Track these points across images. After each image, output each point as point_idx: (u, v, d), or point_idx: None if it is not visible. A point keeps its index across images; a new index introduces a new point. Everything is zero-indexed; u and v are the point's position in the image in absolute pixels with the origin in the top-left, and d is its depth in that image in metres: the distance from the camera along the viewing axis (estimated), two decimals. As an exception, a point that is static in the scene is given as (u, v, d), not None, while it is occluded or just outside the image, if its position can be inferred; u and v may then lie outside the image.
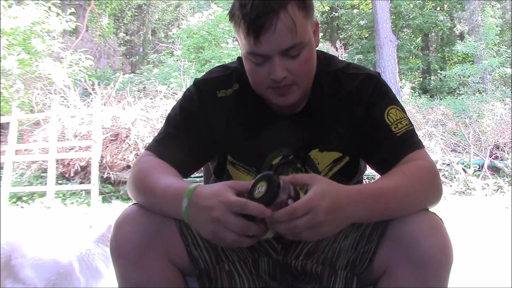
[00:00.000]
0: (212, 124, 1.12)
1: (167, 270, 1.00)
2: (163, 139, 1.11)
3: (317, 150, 1.11)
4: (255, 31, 0.95)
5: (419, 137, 1.10)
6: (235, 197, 0.85)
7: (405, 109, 1.12)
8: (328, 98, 1.10)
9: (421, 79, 17.85)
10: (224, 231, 0.85)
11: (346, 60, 1.24)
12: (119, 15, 19.98)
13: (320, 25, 1.12)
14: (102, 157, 6.44)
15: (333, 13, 17.90)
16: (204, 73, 1.20)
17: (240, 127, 1.12)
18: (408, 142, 1.05)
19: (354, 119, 1.09)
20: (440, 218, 0.98)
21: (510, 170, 6.98)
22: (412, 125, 1.08)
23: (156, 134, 1.17)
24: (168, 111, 1.17)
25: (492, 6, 12.54)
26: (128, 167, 6.58)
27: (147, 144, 1.13)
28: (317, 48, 1.09)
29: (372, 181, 1.05)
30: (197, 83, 1.16)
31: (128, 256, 0.97)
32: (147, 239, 0.95)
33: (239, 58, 1.17)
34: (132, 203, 1.05)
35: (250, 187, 0.88)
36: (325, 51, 1.26)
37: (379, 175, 1.09)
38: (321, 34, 10.95)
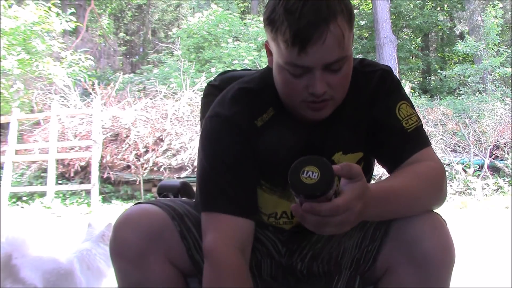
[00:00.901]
0: (253, 152, 1.06)
1: (168, 271, 0.99)
2: (219, 191, 1.01)
3: (341, 153, 1.09)
4: (302, 41, 0.88)
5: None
6: None
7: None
8: (349, 99, 1.06)
9: (421, 79, 17.83)
10: None
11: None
12: (119, 15, 19.96)
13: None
14: (102, 157, 6.44)
15: (333, 13, 17.86)
16: (228, 99, 1.07)
17: (273, 149, 1.07)
18: (418, 138, 1.04)
19: (370, 116, 1.07)
20: (443, 219, 0.98)
21: (510, 170, 6.98)
22: (421, 121, 1.06)
23: (200, 185, 1.03)
24: (168, 111, 1.12)
25: (494, 5, 12.50)
26: (128, 167, 6.57)
27: (203, 204, 1.02)
28: None
29: (384, 178, 1.03)
30: (232, 116, 1.04)
31: (128, 257, 0.97)
32: (147, 240, 0.95)
33: (260, 77, 1.10)
34: (133, 203, 1.04)
35: (293, 165, 0.79)
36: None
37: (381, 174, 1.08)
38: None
